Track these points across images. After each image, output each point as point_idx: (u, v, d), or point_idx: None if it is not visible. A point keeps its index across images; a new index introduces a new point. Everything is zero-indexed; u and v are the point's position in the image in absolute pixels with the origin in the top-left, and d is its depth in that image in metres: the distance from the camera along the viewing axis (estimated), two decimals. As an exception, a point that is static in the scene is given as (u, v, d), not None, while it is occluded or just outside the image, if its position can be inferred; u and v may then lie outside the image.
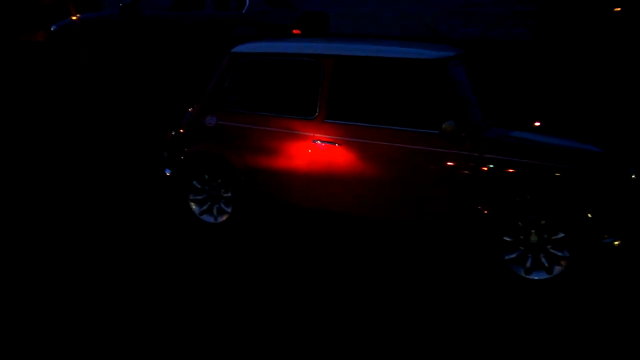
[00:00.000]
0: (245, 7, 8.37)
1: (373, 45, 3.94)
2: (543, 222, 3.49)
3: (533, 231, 3.52)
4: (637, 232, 3.77)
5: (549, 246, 3.52)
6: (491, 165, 3.55)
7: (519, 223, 3.54)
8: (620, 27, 9.22)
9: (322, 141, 3.90)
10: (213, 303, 3.42)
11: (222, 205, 4.38)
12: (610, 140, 3.93)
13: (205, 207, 4.44)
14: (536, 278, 3.55)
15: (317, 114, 3.93)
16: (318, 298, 3.48)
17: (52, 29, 9.36)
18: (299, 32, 8.06)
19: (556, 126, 4.21)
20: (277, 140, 4.03)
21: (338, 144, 3.85)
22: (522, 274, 3.58)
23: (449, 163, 3.63)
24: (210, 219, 4.41)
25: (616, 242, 3.43)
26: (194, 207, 4.46)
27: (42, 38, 10.31)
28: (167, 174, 4.55)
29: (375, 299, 3.46)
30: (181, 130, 4.43)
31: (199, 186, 4.41)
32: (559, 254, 3.49)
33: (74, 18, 9.37)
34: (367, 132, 3.81)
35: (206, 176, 4.37)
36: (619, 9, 9.26)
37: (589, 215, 3.39)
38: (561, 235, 3.46)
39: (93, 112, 7.51)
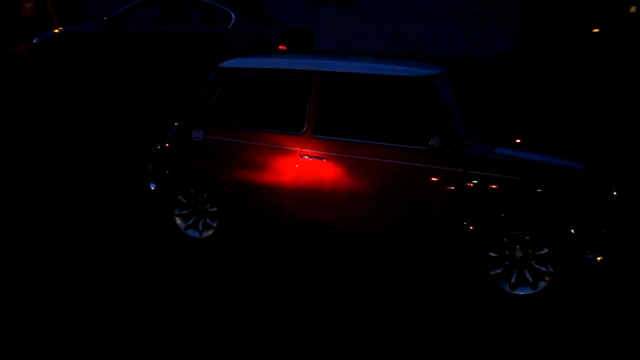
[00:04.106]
0: (231, 23, 8.41)
1: (361, 62, 3.98)
2: (527, 237, 3.53)
3: (518, 247, 3.57)
4: (619, 248, 3.84)
5: (533, 262, 3.56)
6: (476, 181, 3.60)
7: (504, 239, 3.58)
8: (598, 47, 9.47)
9: (309, 156, 3.91)
10: (195, 318, 3.38)
11: (208, 220, 4.35)
12: (591, 156, 4.00)
13: (190, 222, 4.41)
14: (521, 293, 3.59)
15: (304, 129, 3.95)
16: (303, 314, 3.46)
17: (34, 41, 9.29)
18: (285, 47, 8.11)
19: (539, 143, 4.28)
20: (264, 155, 4.03)
21: (325, 159, 3.87)
22: (507, 289, 3.62)
23: (434, 179, 3.67)
24: (196, 234, 4.38)
25: (599, 258, 3.48)
26: (179, 222, 4.43)
27: (24, 50, 10.21)
28: (152, 189, 4.51)
29: (360, 313, 3.46)
30: (167, 145, 4.41)
31: (184, 201, 4.39)
32: (543, 269, 3.54)
33: (56, 31, 9.31)
34: (354, 147, 3.83)
35: (192, 191, 4.34)
36: (597, 29, 9.51)
37: (572, 231, 3.44)
38: (545, 250, 3.51)
39: (76, 126, 7.43)
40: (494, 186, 3.56)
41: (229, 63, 4.26)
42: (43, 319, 3.34)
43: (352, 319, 3.41)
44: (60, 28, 9.41)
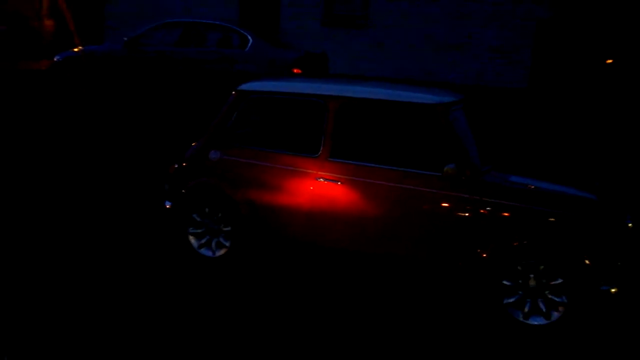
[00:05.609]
0: (248, 46, 8.56)
1: (377, 88, 4.04)
2: (542, 267, 3.53)
3: (532, 276, 3.56)
4: (634, 280, 3.81)
5: (547, 291, 3.55)
6: (490, 209, 3.61)
7: (518, 267, 3.57)
8: (612, 77, 9.51)
9: (325, 179, 3.95)
10: (205, 336, 3.39)
11: (222, 240, 4.38)
12: (606, 187, 4.01)
13: (204, 241, 4.44)
14: (534, 323, 3.56)
15: (320, 152, 3.99)
16: (313, 334, 3.45)
17: (55, 59, 9.49)
18: (300, 71, 8.23)
19: (553, 172, 4.29)
20: (280, 177, 4.07)
21: (341, 182, 3.90)
22: (521, 318, 3.60)
23: (449, 205, 3.68)
24: (209, 253, 4.41)
25: (613, 290, 3.46)
26: (192, 240, 4.46)
27: (44, 67, 10.42)
28: (167, 206, 4.56)
29: (372, 336, 3.45)
30: (184, 164, 4.47)
31: (198, 219, 4.42)
32: (557, 299, 3.52)
33: (76, 50, 9.52)
34: (370, 171, 3.87)
35: (207, 209, 4.38)
36: (610, 60, 9.57)
37: (587, 262, 3.43)
38: (559, 280, 3.49)
39: (94, 144, 7.54)
40: (508, 214, 3.57)
41: (247, 86, 4.34)
42: (56, 335, 3.36)
43: (363, 341, 3.40)
44: (81, 47, 9.61)
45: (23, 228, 4.89)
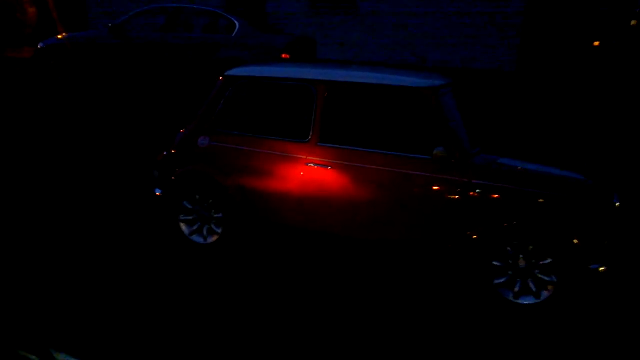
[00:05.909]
0: (235, 31, 8.48)
1: (366, 72, 4.02)
2: (531, 247, 3.56)
3: (521, 256, 3.59)
4: (622, 259, 3.86)
5: (537, 271, 3.59)
6: (480, 191, 3.63)
7: (508, 248, 3.61)
8: (599, 59, 9.55)
9: (314, 164, 3.94)
10: (197, 322, 3.40)
11: (213, 226, 4.38)
12: (594, 168, 4.04)
13: (195, 228, 4.43)
14: (525, 303, 3.61)
15: (310, 137, 3.98)
16: (305, 319, 3.48)
17: (39, 46, 9.35)
18: (288, 56, 8.18)
19: (542, 154, 4.32)
20: (270, 163, 4.06)
21: (331, 167, 3.90)
22: (511, 298, 3.64)
23: (438, 188, 3.70)
24: (200, 240, 4.41)
25: (601, 269, 3.51)
26: (183, 227, 4.46)
27: (28, 55, 10.27)
28: (157, 194, 4.54)
29: (363, 319, 3.48)
30: (173, 151, 4.44)
31: (189, 206, 4.41)
32: (547, 279, 3.56)
33: (60, 37, 9.38)
34: (359, 155, 3.87)
35: (197, 196, 4.37)
36: (597, 43, 9.60)
37: (575, 242, 3.47)
38: (549, 260, 3.54)
39: (80, 132, 7.47)
40: (497, 196, 3.60)
41: (235, 71, 4.30)
42: (49, 320, 3.36)
43: (354, 325, 3.42)
44: (65, 34, 9.48)
45: (6, 217, 4.85)
